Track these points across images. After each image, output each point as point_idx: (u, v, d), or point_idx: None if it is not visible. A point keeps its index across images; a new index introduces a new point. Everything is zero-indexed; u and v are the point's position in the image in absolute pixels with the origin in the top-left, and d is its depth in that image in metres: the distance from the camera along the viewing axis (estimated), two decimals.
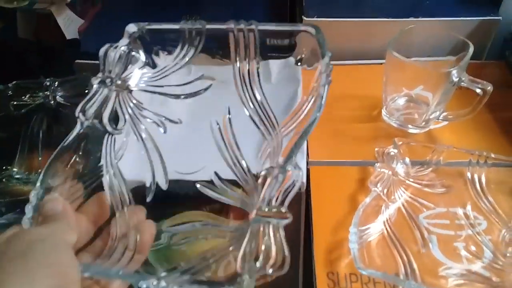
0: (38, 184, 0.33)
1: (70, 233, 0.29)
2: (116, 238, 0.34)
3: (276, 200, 0.31)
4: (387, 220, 0.42)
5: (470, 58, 0.62)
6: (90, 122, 0.38)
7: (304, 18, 0.58)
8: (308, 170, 0.48)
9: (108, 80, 0.40)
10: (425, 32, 0.51)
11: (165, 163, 0.40)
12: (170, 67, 0.44)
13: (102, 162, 0.38)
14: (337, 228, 0.43)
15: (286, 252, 0.28)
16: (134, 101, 0.42)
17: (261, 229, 0.29)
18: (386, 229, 0.42)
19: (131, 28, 0.45)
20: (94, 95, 0.40)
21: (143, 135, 0.41)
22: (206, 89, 0.44)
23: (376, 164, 0.45)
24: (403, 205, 0.44)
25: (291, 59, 0.48)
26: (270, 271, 0.27)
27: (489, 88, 0.45)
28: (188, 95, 0.44)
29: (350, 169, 0.48)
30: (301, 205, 0.43)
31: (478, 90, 0.46)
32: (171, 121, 0.43)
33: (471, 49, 0.47)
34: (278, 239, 0.28)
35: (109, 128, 0.39)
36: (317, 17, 0.58)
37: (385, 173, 0.45)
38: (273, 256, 0.28)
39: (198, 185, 0.37)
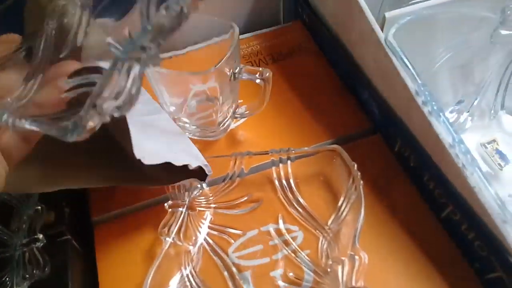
0: None
1: None
2: None
3: None
4: (191, 273, 0.34)
5: (268, 26, 0.56)
6: None
7: None
8: (91, 234, 0.38)
9: None
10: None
11: None
12: None
13: None
14: None
15: None
16: None
17: None
18: (192, 284, 0.34)
19: None
20: None
21: None
22: None
23: (165, 204, 0.37)
24: (207, 244, 0.36)
25: None
26: None
27: (268, 74, 0.38)
28: None
29: (144, 214, 0.39)
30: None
31: (258, 81, 0.38)
32: None
33: (236, 34, 0.38)
34: None
35: None
36: None
37: (178, 212, 0.36)
38: None
39: None
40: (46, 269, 0.31)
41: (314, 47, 0.51)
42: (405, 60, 0.35)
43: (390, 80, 0.37)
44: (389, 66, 0.36)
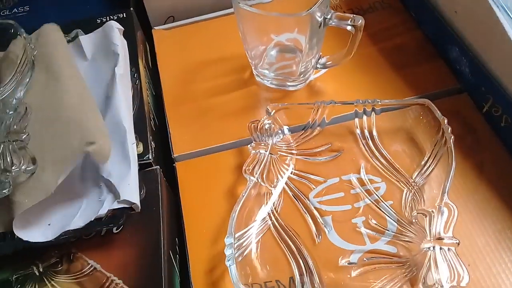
0: None
1: None
2: None
3: None
4: (272, 212, 0.35)
5: None
6: None
7: None
8: (174, 168, 0.39)
9: None
10: None
11: None
12: None
13: None
14: (216, 236, 0.35)
15: None
16: None
17: None
18: (273, 222, 0.35)
19: None
20: None
21: None
22: None
23: (249, 145, 0.37)
24: (288, 187, 0.37)
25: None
26: None
27: (360, 22, 0.37)
28: None
29: (225, 155, 0.39)
30: (161, 222, 0.33)
31: (349, 28, 0.37)
32: None
33: None
34: None
35: None
36: None
37: (261, 154, 0.37)
38: None
39: None
40: (142, 192, 0.32)
41: (397, 2, 0.49)
42: (509, 12, 0.34)
43: (488, 35, 0.36)
44: (489, 18, 0.34)
